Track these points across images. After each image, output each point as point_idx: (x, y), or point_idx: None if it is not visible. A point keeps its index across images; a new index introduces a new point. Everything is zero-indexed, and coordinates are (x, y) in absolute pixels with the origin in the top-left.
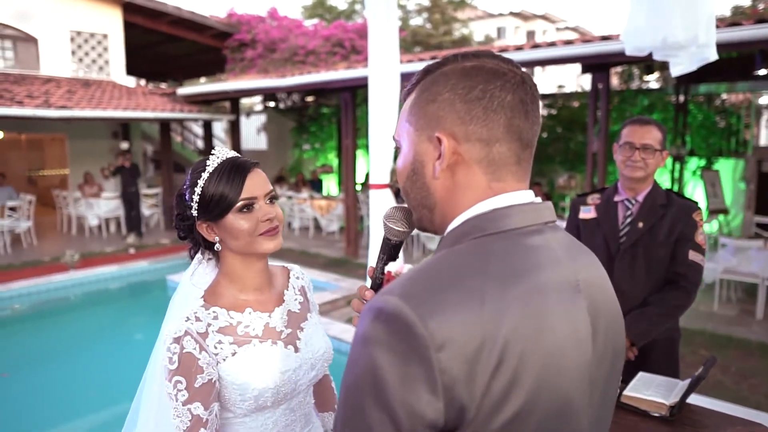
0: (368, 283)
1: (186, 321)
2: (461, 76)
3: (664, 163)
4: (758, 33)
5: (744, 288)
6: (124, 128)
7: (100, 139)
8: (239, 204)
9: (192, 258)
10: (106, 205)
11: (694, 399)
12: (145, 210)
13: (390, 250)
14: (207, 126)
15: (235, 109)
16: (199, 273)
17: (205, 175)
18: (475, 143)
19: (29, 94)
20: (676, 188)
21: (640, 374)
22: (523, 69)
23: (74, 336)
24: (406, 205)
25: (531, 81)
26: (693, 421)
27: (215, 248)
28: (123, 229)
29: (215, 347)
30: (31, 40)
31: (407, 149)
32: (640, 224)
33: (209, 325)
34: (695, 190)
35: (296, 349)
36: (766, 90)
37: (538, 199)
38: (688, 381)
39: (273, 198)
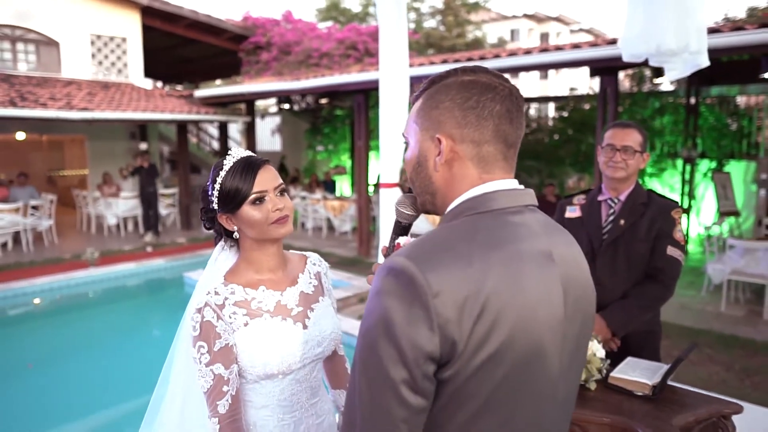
0: (381, 260)
1: (207, 295)
2: (460, 88)
3: (645, 164)
4: (762, 37)
5: (753, 289)
6: (141, 129)
7: (119, 140)
8: (252, 197)
9: (215, 245)
10: (124, 205)
11: None
12: (162, 209)
13: (400, 231)
14: (223, 127)
15: (251, 110)
16: (222, 258)
17: (222, 173)
18: (469, 144)
19: (52, 96)
20: (687, 190)
21: (628, 359)
22: (512, 82)
23: (94, 330)
24: (413, 194)
25: (518, 93)
26: (674, 400)
27: (234, 236)
28: (141, 228)
29: (230, 317)
30: (52, 44)
31: (414, 145)
32: (622, 222)
33: (226, 298)
34: (706, 193)
35: (305, 326)
36: None
37: (521, 187)
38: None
39: (283, 191)
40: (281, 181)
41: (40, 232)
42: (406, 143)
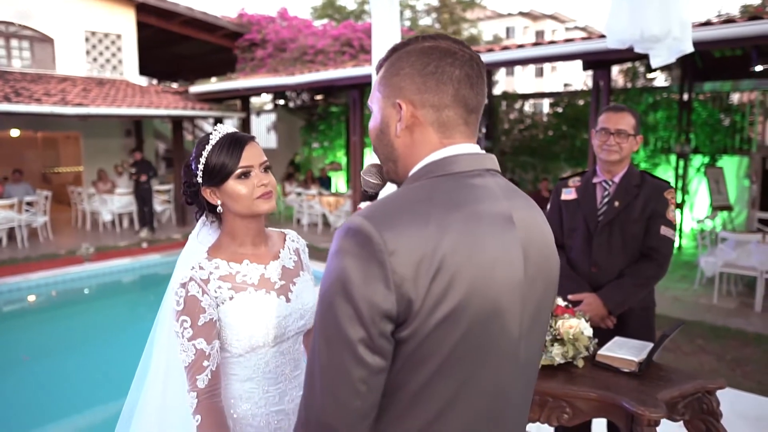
0: None
1: (191, 270)
2: (419, 54)
3: (638, 147)
4: (752, 29)
5: (745, 282)
6: (136, 126)
7: (114, 137)
8: (238, 171)
9: (197, 220)
10: (119, 201)
11: None
12: (158, 206)
13: (368, 201)
14: (218, 124)
15: (246, 107)
16: (204, 233)
17: (208, 147)
18: (429, 109)
19: (46, 92)
20: (680, 185)
21: (615, 338)
22: (473, 49)
23: (88, 325)
24: (379, 163)
25: (478, 59)
26: (660, 376)
27: (218, 210)
28: (136, 225)
29: (215, 291)
30: (47, 41)
31: (377, 113)
32: (617, 203)
33: (211, 273)
34: (699, 187)
35: (287, 300)
36: None
37: (483, 151)
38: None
39: (267, 168)
40: (266, 158)
41: (35, 228)
42: (371, 112)
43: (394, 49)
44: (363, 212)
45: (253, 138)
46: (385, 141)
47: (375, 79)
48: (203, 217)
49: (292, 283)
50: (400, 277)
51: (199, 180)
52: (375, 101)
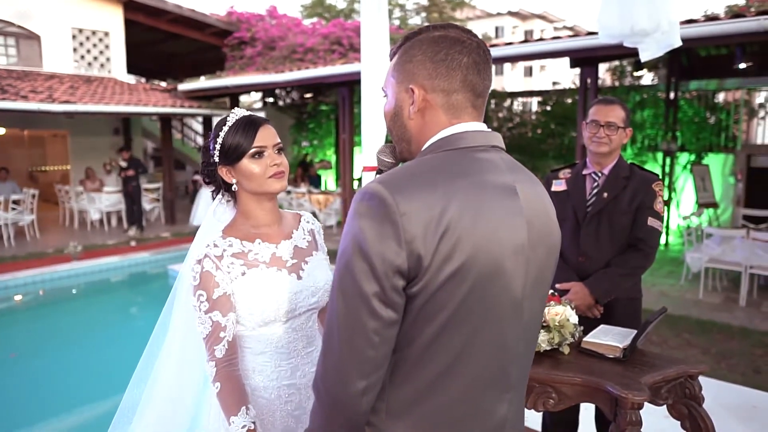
0: None
1: (206, 247)
2: (431, 43)
3: (628, 139)
4: (736, 27)
5: (730, 277)
6: (125, 124)
7: (102, 135)
8: (252, 151)
9: (214, 199)
10: (107, 199)
11: None
12: (146, 204)
13: None
14: (207, 123)
15: (235, 105)
16: (220, 211)
17: (225, 128)
18: (439, 93)
19: (33, 89)
20: (666, 182)
21: (601, 326)
22: (480, 37)
23: (77, 323)
24: (393, 144)
25: (485, 47)
26: (643, 362)
27: (233, 189)
28: (124, 223)
29: (228, 267)
30: (33, 38)
31: (391, 97)
32: (605, 194)
33: (224, 250)
34: (685, 185)
35: (299, 277)
36: (753, 86)
37: (489, 129)
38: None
39: (280, 149)
40: (280, 140)
41: (21, 227)
42: (386, 96)
43: (407, 38)
44: (378, 179)
45: (267, 121)
46: (399, 123)
47: (389, 66)
48: (219, 196)
49: (304, 261)
50: (411, 235)
51: (216, 159)
52: (389, 86)
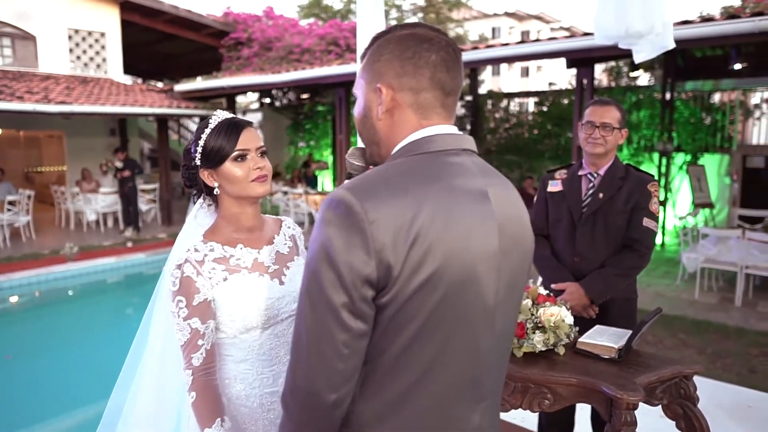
0: None
1: (187, 252)
2: (398, 41)
3: (623, 140)
4: (731, 28)
5: (726, 277)
6: (121, 125)
7: (98, 136)
8: (234, 154)
9: (194, 203)
10: (103, 200)
11: None
12: (143, 205)
13: None
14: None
15: (232, 106)
16: (201, 215)
17: (207, 131)
18: (407, 91)
19: (29, 90)
20: (663, 182)
21: (597, 326)
22: (449, 36)
23: (73, 324)
24: (363, 146)
25: (454, 45)
26: (639, 362)
27: (214, 192)
28: (121, 224)
29: (209, 272)
30: (29, 38)
31: (360, 98)
32: (601, 195)
33: (206, 255)
34: (681, 185)
35: (281, 283)
36: (748, 87)
37: (460, 132)
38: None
39: (263, 153)
40: (262, 143)
41: (17, 228)
42: (356, 99)
43: (376, 38)
44: (346, 184)
45: (250, 123)
46: (368, 125)
47: (359, 67)
48: (200, 199)
49: (286, 267)
50: (380, 244)
51: (198, 162)
52: (359, 88)
